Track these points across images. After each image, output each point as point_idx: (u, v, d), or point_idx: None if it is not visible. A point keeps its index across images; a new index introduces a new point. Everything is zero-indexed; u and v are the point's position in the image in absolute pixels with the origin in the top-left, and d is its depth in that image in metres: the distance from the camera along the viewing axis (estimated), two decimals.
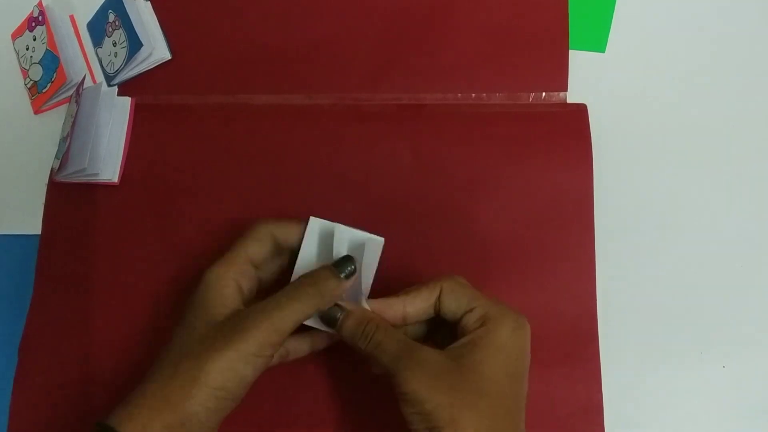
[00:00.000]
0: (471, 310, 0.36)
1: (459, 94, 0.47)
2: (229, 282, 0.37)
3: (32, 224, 0.48)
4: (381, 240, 0.39)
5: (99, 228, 0.46)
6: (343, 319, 0.37)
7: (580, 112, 0.46)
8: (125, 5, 0.49)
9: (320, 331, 0.39)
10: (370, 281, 0.39)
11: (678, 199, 0.45)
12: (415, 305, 0.37)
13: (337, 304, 0.37)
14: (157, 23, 0.50)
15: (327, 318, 0.37)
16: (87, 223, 0.46)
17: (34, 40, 0.51)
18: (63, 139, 0.47)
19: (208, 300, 0.37)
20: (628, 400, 0.42)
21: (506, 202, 0.44)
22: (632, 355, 0.43)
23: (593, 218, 0.44)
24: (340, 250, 0.39)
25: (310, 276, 0.37)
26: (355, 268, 0.37)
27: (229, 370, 0.34)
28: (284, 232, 0.39)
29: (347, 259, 0.38)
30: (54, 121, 0.50)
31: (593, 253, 0.43)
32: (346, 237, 0.39)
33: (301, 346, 0.40)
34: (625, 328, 0.43)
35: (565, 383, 0.42)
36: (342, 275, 0.37)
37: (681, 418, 0.42)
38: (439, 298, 0.37)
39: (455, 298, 0.37)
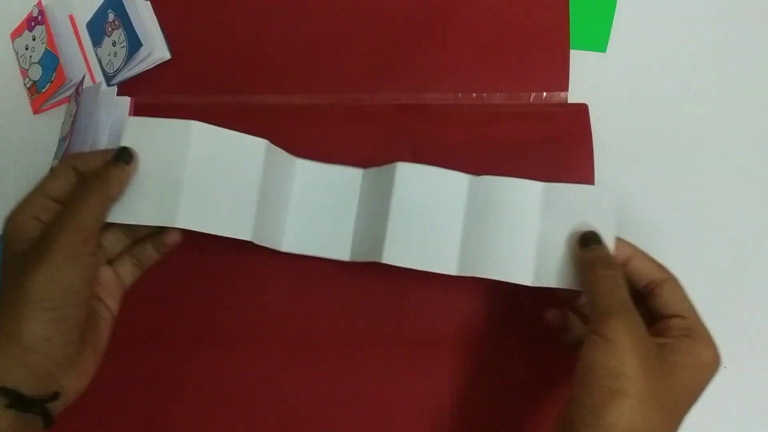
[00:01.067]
0: (683, 317, 0.36)
1: (459, 94, 0.47)
2: (27, 219, 0.36)
3: None
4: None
5: None
6: (598, 247, 0.37)
7: (581, 112, 0.45)
8: (125, 5, 0.49)
9: (166, 230, 0.39)
10: None
11: (679, 199, 0.45)
12: (640, 265, 0.37)
13: (597, 233, 0.38)
14: (157, 23, 0.50)
15: (585, 238, 0.38)
16: None
17: (34, 39, 0.51)
18: (62, 139, 0.47)
19: (10, 240, 0.36)
20: None
21: None
22: None
23: None
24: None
25: (95, 171, 0.37)
26: (131, 154, 0.38)
27: (48, 280, 0.34)
28: (86, 162, 0.38)
29: (122, 150, 0.38)
30: (53, 120, 0.50)
31: None
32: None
33: (148, 252, 0.40)
34: None
35: (566, 384, 0.42)
36: (121, 163, 0.37)
37: None
38: (660, 285, 0.37)
39: (676, 296, 0.36)
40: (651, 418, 0.32)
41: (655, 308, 0.37)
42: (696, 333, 0.35)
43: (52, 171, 0.38)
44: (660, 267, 0.37)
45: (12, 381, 0.33)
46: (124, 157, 0.38)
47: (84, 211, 0.35)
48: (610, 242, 0.38)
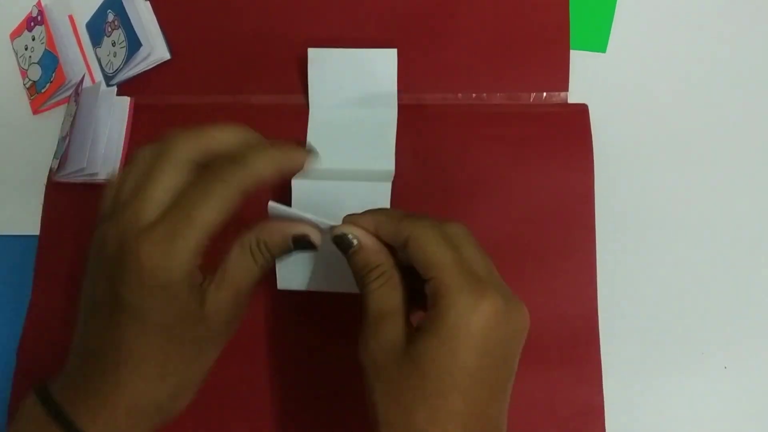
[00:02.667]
0: (429, 280, 0.30)
1: (459, 94, 0.47)
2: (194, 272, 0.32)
3: (31, 224, 0.48)
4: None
5: None
6: (353, 253, 0.33)
7: (581, 112, 0.45)
8: (124, 5, 0.49)
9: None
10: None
11: (679, 199, 0.45)
12: (383, 233, 0.33)
13: (343, 232, 0.33)
14: (156, 23, 0.50)
15: (340, 242, 0.34)
16: (86, 222, 0.46)
17: (33, 40, 0.51)
18: (62, 139, 0.47)
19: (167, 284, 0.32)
20: (629, 401, 0.42)
21: (507, 202, 0.44)
22: (633, 356, 0.43)
23: (594, 218, 0.44)
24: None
25: (265, 240, 0.34)
26: (314, 246, 0.35)
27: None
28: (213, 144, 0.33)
29: (302, 239, 0.34)
30: (53, 121, 0.50)
31: (594, 253, 0.43)
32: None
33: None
34: (626, 328, 0.43)
35: (566, 384, 0.42)
36: (297, 249, 0.34)
37: (682, 419, 0.42)
38: (404, 250, 0.32)
39: (417, 256, 0.31)
40: None
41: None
42: (440, 295, 0.29)
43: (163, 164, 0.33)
44: (399, 224, 0.32)
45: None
46: (308, 247, 0.35)
47: (244, 282, 0.34)
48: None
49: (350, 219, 0.34)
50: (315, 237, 0.35)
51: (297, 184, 0.41)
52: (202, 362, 0.34)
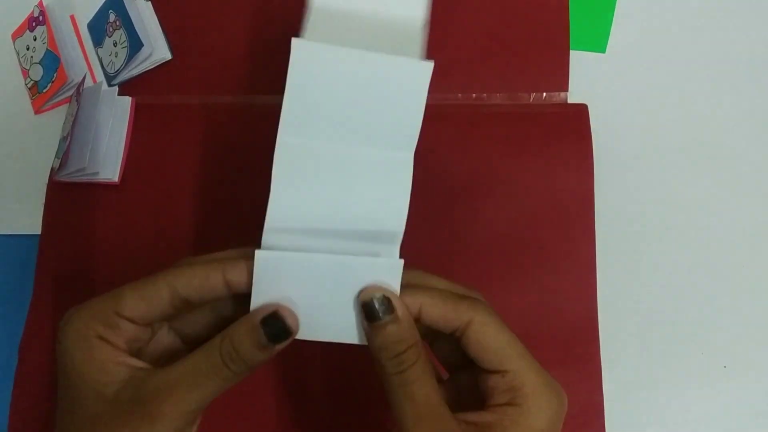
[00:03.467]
0: (503, 373, 0.29)
1: (459, 95, 0.47)
2: (93, 343, 0.29)
3: (32, 224, 0.48)
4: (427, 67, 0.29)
5: (99, 227, 0.46)
6: (385, 324, 0.28)
7: (580, 112, 0.45)
8: (126, 5, 0.49)
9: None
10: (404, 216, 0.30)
11: (679, 199, 0.45)
12: (433, 314, 0.29)
13: (387, 295, 0.29)
14: (158, 23, 0.50)
15: (368, 309, 0.29)
16: (87, 222, 0.46)
17: (35, 40, 0.51)
18: (63, 139, 0.47)
19: (80, 365, 0.29)
20: (629, 400, 0.42)
21: (506, 202, 0.44)
22: (633, 356, 0.43)
23: (594, 218, 0.44)
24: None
25: (230, 342, 0.29)
26: (289, 328, 0.29)
27: None
28: (192, 286, 0.29)
29: (274, 317, 0.29)
30: (54, 121, 0.50)
31: (594, 253, 0.43)
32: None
33: None
34: (625, 328, 0.43)
35: (566, 383, 0.41)
36: (270, 337, 0.28)
37: (682, 418, 0.42)
38: (464, 332, 0.29)
39: (486, 344, 0.29)
40: None
41: (473, 359, 0.30)
42: (523, 394, 0.29)
43: (138, 288, 0.30)
44: (458, 307, 0.29)
45: None
46: (276, 328, 0.29)
47: (201, 396, 0.28)
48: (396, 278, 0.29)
49: (388, 292, 0.29)
50: (291, 318, 0.29)
51: (262, 254, 0.30)
52: None
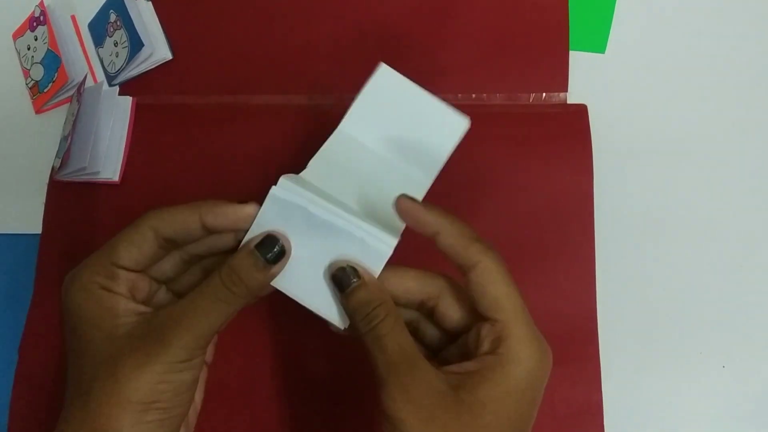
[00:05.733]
0: (493, 322, 0.30)
1: (459, 95, 0.47)
2: (96, 289, 0.32)
3: (33, 223, 0.48)
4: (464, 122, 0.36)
5: (99, 227, 0.46)
6: (354, 289, 0.31)
7: (580, 112, 0.46)
8: (126, 5, 0.49)
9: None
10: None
11: (678, 200, 0.45)
12: (447, 242, 0.31)
13: (351, 265, 0.32)
14: (159, 23, 0.50)
15: (339, 279, 0.32)
16: (87, 222, 0.47)
17: (36, 39, 0.51)
18: (64, 139, 0.47)
19: (91, 317, 0.32)
20: (628, 400, 0.42)
21: (507, 202, 0.44)
22: (632, 355, 0.43)
23: (593, 219, 0.44)
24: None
25: (228, 267, 0.31)
26: (283, 247, 0.32)
27: (160, 382, 0.30)
28: (172, 224, 0.33)
29: (270, 239, 0.32)
30: (55, 120, 0.50)
31: (593, 253, 0.43)
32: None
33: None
34: (624, 328, 0.43)
35: (565, 384, 0.42)
36: (267, 259, 0.31)
37: (681, 418, 0.42)
38: (468, 274, 0.31)
39: (485, 289, 0.31)
40: None
41: (469, 305, 0.32)
42: (507, 345, 0.30)
43: (126, 235, 0.33)
44: (469, 245, 0.31)
45: None
46: (273, 250, 0.31)
47: (209, 322, 0.31)
48: (381, 262, 0.32)
49: (407, 205, 0.32)
50: (285, 239, 0.32)
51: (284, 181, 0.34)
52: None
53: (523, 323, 0.30)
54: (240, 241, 0.33)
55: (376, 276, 0.32)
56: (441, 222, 0.31)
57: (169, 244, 0.33)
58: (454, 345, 0.33)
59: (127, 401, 0.30)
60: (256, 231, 0.33)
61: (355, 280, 0.31)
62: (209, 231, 0.33)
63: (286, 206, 0.33)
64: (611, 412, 0.41)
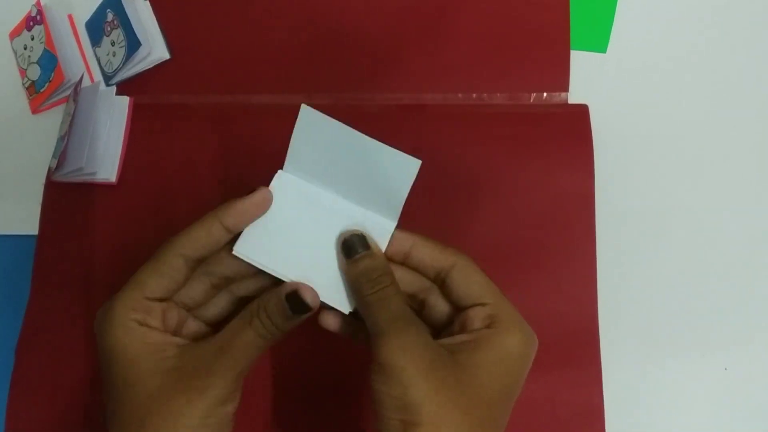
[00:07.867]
0: (482, 305, 0.33)
1: (460, 95, 0.47)
2: (140, 331, 0.33)
3: (29, 224, 0.47)
4: (416, 163, 0.33)
5: (96, 227, 0.46)
6: (361, 257, 0.33)
7: (581, 112, 0.45)
8: (124, 4, 0.49)
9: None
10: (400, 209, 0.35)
11: (679, 200, 0.45)
12: (422, 254, 0.34)
13: (363, 234, 0.34)
14: (156, 23, 0.50)
15: (347, 246, 0.34)
16: (84, 222, 0.46)
17: (32, 39, 0.51)
18: (60, 138, 0.47)
19: (135, 354, 0.32)
20: (630, 402, 0.42)
21: (507, 202, 0.44)
22: (633, 357, 0.42)
23: (594, 219, 0.44)
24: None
25: (263, 309, 0.33)
26: (306, 304, 0.33)
27: (209, 416, 0.32)
28: (198, 246, 0.34)
29: (295, 295, 0.33)
30: (52, 120, 0.50)
31: (594, 254, 0.43)
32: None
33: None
34: (626, 329, 0.43)
35: (566, 385, 0.42)
36: (293, 314, 0.33)
37: (682, 420, 0.42)
38: (449, 273, 0.33)
39: (469, 281, 0.33)
40: None
41: (453, 299, 0.34)
42: (499, 320, 0.32)
43: (154, 269, 0.34)
44: (445, 250, 0.34)
45: None
46: (301, 311, 0.33)
47: (246, 356, 0.33)
48: (385, 239, 0.35)
49: (363, 233, 0.34)
50: (309, 296, 0.33)
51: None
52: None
53: (509, 306, 0.33)
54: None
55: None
56: (414, 237, 0.35)
57: (197, 264, 0.35)
58: (445, 331, 0.35)
59: None
60: (272, 214, 0.35)
61: (361, 250, 0.34)
62: (232, 232, 0.34)
63: (295, 185, 0.35)
64: (612, 414, 0.41)
